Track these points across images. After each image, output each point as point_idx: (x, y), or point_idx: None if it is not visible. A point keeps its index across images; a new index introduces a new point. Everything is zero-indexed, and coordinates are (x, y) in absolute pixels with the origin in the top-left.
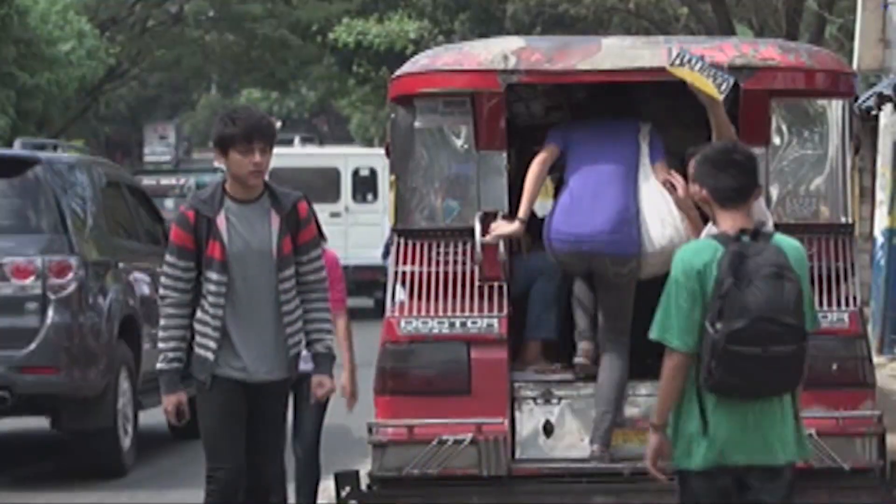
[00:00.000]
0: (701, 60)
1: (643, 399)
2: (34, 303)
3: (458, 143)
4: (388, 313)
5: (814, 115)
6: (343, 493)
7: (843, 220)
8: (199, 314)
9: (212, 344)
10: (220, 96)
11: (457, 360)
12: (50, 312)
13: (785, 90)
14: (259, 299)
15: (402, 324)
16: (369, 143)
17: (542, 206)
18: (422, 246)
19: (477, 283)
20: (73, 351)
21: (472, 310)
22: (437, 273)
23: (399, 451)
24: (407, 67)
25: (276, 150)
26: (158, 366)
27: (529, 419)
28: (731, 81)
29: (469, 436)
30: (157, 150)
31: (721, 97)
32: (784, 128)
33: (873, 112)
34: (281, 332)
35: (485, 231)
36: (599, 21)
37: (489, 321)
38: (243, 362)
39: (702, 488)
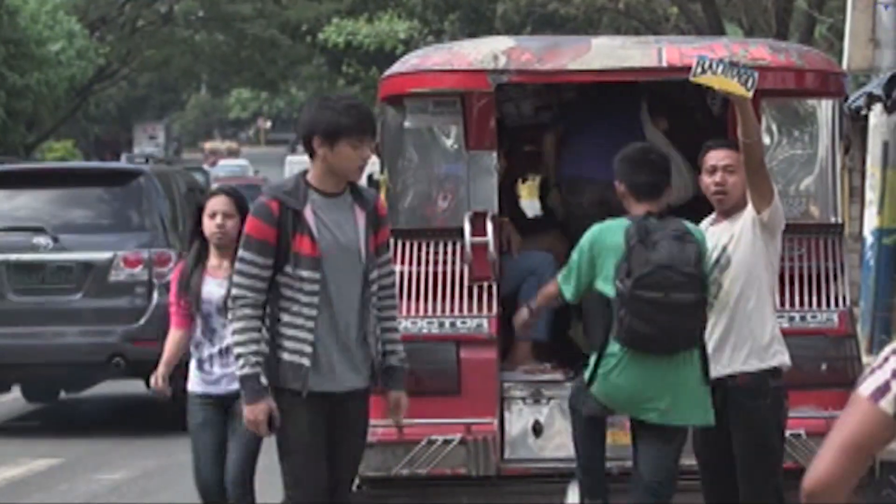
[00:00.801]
0: (722, 63)
1: None
2: (142, 287)
3: (448, 142)
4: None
5: (804, 115)
6: None
7: (832, 220)
8: (286, 317)
9: (307, 349)
10: (209, 96)
11: (446, 360)
12: (154, 295)
13: (775, 90)
14: (346, 300)
15: None
16: None
17: (531, 206)
18: (412, 246)
19: (467, 284)
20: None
21: (461, 310)
22: (427, 273)
23: (389, 451)
24: (397, 67)
25: (291, 157)
26: (242, 372)
27: (519, 419)
28: (756, 76)
29: (458, 436)
30: (146, 150)
31: (750, 94)
32: (774, 127)
33: (863, 112)
34: (363, 336)
35: (475, 233)
36: (589, 21)
37: (479, 321)
38: (333, 370)
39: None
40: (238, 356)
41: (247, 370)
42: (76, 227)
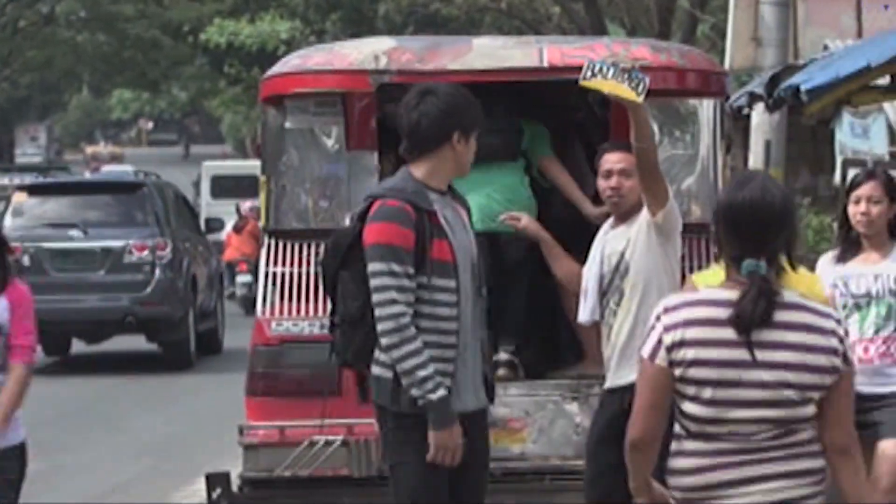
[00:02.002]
0: (612, 67)
1: (514, 399)
2: (147, 266)
3: (329, 143)
4: (258, 315)
5: (685, 115)
6: (214, 495)
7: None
8: (422, 335)
9: (449, 368)
10: (91, 97)
11: (327, 361)
12: (157, 272)
13: (656, 90)
14: (469, 310)
15: (273, 325)
16: (241, 143)
17: None
18: (293, 247)
19: None
20: (168, 294)
21: None
22: (309, 274)
23: (270, 453)
24: (278, 68)
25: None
26: (438, 394)
27: None
28: (647, 81)
29: (340, 437)
30: (28, 151)
31: (641, 98)
32: (655, 127)
33: (745, 111)
34: (481, 349)
35: None
36: (472, 21)
37: None
38: (459, 388)
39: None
40: (423, 380)
41: (441, 392)
42: (99, 223)
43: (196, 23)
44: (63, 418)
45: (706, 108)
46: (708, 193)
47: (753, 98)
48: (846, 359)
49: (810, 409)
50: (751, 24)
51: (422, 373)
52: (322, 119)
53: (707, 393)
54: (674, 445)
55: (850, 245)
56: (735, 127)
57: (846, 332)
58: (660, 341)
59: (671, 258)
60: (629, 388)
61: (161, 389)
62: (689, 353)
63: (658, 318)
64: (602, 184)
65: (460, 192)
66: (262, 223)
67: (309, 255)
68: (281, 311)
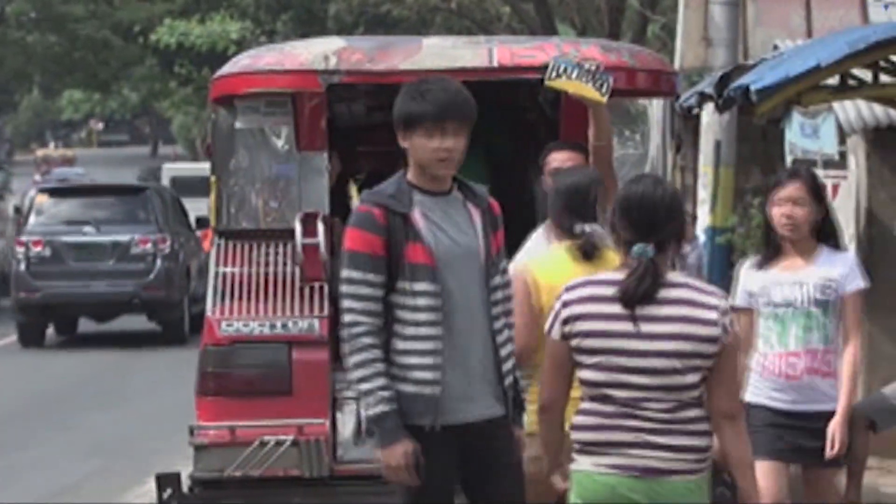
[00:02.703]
0: (577, 67)
1: None
2: (150, 257)
3: (279, 143)
4: (208, 314)
5: (635, 115)
6: (165, 495)
7: None
8: (404, 344)
9: (434, 376)
10: (41, 97)
11: (278, 361)
12: (158, 262)
13: None
14: (468, 313)
15: (223, 325)
16: (191, 144)
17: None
18: (242, 247)
19: (298, 284)
20: (168, 280)
21: (293, 311)
22: (259, 274)
23: (221, 453)
24: (228, 68)
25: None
26: (375, 410)
27: (351, 420)
28: (611, 80)
29: (291, 437)
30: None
31: (605, 99)
32: None
33: (695, 111)
34: (496, 356)
35: (306, 233)
36: (423, 21)
37: (310, 322)
38: (464, 396)
39: None
40: (365, 393)
41: (379, 409)
42: (109, 221)
43: (146, 23)
44: (14, 417)
45: (656, 108)
46: None
47: (703, 98)
48: (726, 330)
49: (692, 378)
50: (701, 24)
51: (364, 386)
52: (272, 119)
53: (596, 360)
54: (580, 405)
55: (772, 250)
56: (685, 127)
57: (730, 307)
58: (557, 316)
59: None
60: None
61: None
62: (581, 326)
63: (559, 297)
64: (549, 182)
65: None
66: (212, 223)
67: (259, 255)
68: (231, 312)
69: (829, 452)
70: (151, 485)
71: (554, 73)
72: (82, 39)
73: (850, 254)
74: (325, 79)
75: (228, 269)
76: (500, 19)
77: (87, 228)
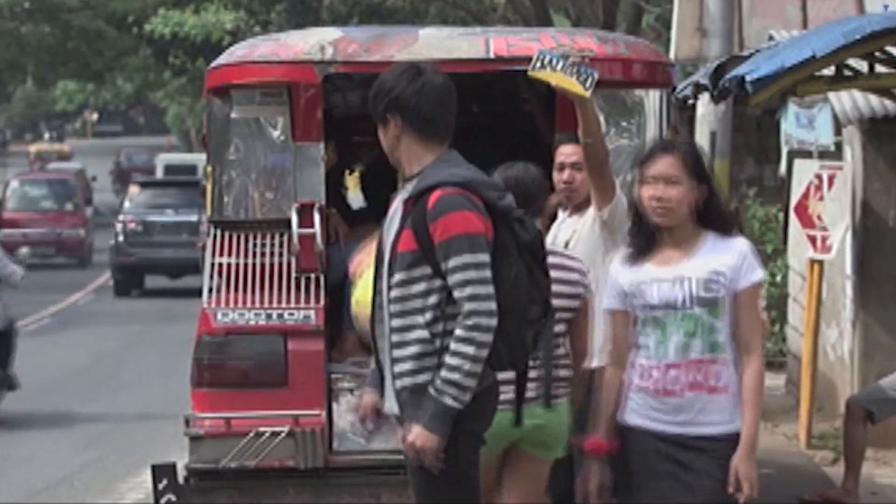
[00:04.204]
0: (563, 60)
1: None
2: None
3: (275, 134)
4: (204, 305)
5: (631, 106)
6: (160, 486)
7: None
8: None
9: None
10: (35, 88)
11: (273, 351)
12: None
13: (603, 81)
14: (382, 310)
15: (219, 315)
16: (185, 134)
17: (357, 198)
18: (238, 237)
19: (294, 275)
20: None
21: (288, 301)
22: (254, 264)
23: (216, 444)
24: (224, 58)
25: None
26: (457, 405)
27: (347, 411)
28: (596, 76)
29: (286, 428)
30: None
31: (588, 93)
32: (601, 118)
33: (690, 102)
34: (389, 354)
35: (302, 224)
36: (416, 11)
37: (306, 312)
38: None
39: None
40: (464, 388)
41: (459, 404)
42: (182, 206)
43: (140, 13)
44: (8, 406)
45: (652, 99)
46: None
47: (698, 88)
48: (587, 288)
49: (561, 327)
50: (696, 15)
51: (468, 382)
52: (268, 109)
53: None
54: None
55: (643, 240)
56: (680, 117)
57: (587, 269)
58: None
59: (612, 253)
60: None
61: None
62: None
63: None
64: (556, 176)
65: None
66: (207, 213)
67: (254, 245)
68: (227, 302)
69: (732, 492)
70: (147, 476)
71: (538, 64)
72: (76, 30)
73: (741, 240)
74: (320, 69)
75: (224, 260)
76: (495, 10)
77: (168, 211)
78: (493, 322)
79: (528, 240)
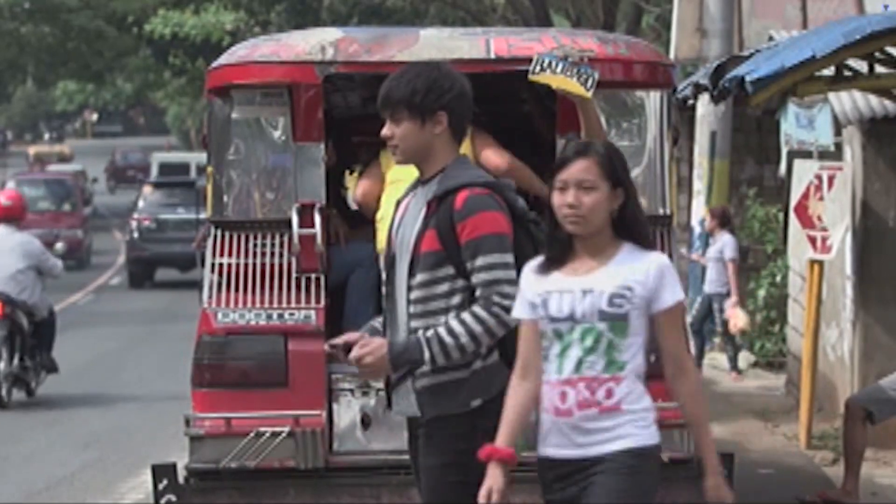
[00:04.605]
0: (562, 62)
1: None
2: None
3: (276, 134)
4: (204, 305)
5: (632, 107)
6: (160, 486)
7: (661, 211)
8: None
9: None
10: (35, 88)
11: (274, 352)
12: None
13: (603, 81)
14: (399, 309)
15: (219, 315)
16: (185, 135)
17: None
18: (238, 237)
19: (294, 275)
20: None
21: (289, 301)
22: (255, 265)
23: (216, 444)
24: (224, 58)
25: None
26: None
27: (347, 411)
28: (597, 76)
29: (286, 428)
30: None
31: (590, 94)
32: (602, 119)
33: (690, 102)
34: None
35: (302, 224)
36: (416, 12)
37: (306, 313)
38: (398, 391)
39: None
40: (445, 350)
41: (427, 365)
42: (192, 204)
43: (140, 14)
44: (8, 407)
45: (653, 100)
46: (655, 185)
47: (698, 89)
48: None
49: None
50: (696, 15)
51: (472, 346)
52: (268, 110)
53: None
54: None
55: (557, 248)
56: (681, 118)
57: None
58: None
59: None
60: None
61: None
62: None
63: None
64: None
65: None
66: (208, 214)
67: (255, 245)
68: (227, 302)
69: None
70: (147, 476)
71: (538, 68)
72: (76, 30)
73: (658, 256)
74: (321, 70)
75: (224, 260)
76: (495, 10)
77: (179, 209)
78: (513, 323)
79: (544, 240)
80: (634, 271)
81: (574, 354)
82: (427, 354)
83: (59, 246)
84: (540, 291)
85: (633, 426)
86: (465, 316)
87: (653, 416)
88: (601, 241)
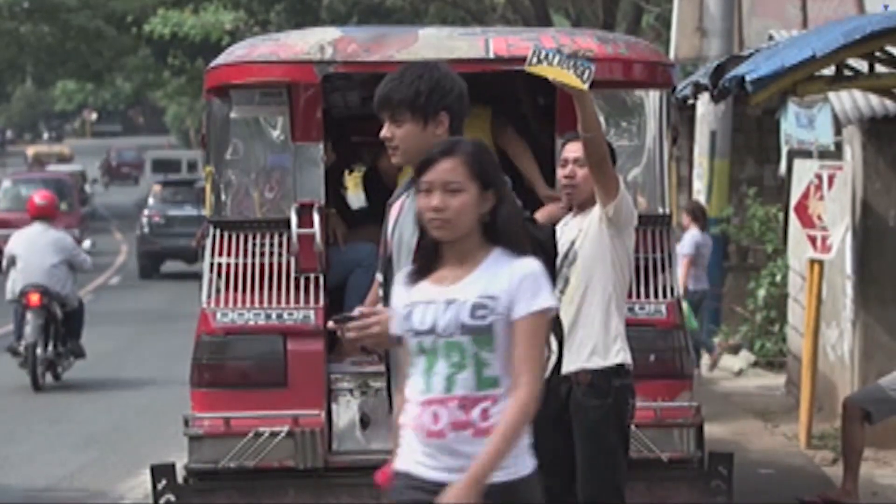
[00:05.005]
0: (558, 54)
1: None
2: None
3: (275, 133)
4: (203, 305)
5: (632, 106)
6: (159, 486)
7: (660, 211)
8: None
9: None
10: (35, 88)
11: (273, 351)
12: None
13: (603, 81)
14: None
15: (218, 315)
16: (185, 134)
17: (357, 198)
18: (237, 237)
19: (293, 275)
20: None
21: (288, 301)
22: (254, 264)
23: (215, 444)
24: (223, 58)
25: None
26: None
27: (346, 411)
28: (593, 68)
29: (286, 428)
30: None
31: (586, 86)
32: (602, 118)
33: (690, 101)
34: None
35: (301, 224)
36: (415, 11)
37: (305, 313)
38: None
39: None
40: None
41: None
42: (198, 201)
43: (139, 13)
44: (8, 407)
45: (652, 99)
46: (654, 185)
47: (698, 88)
48: None
49: None
50: (696, 15)
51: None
52: (267, 109)
53: None
54: None
55: (427, 257)
56: (680, 117)
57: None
58: None
59: (620, 251)
60: (567, 378)
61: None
62: None
63: None
64: (559, 172)
65: None
66: (207, 213)
67: (254, 245)
68: (226, 302)
69: None
70: (146, 476)
71: (535, 59)
72: (75, 30)
73: (528, 261)
74: (320, 69)
75: (223, 260)
76: (495, 10)
77: (186, 206)
78: None
79: (543, 239)
80: (499, 279)
81: (442, 371)
82: None
83: (88, 243)
84: (406, 303)
85: (514, 455)
86: None
87: (527, 441)
88: (469, 247)
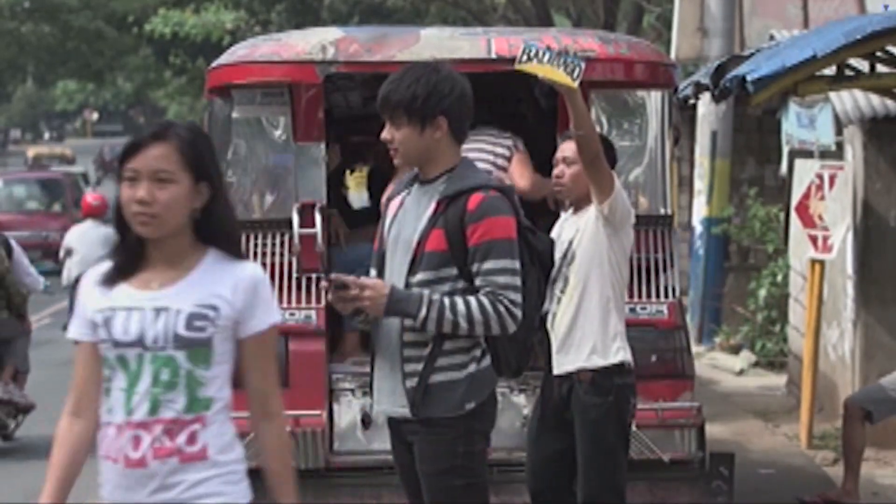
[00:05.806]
0: (549, 51)
1: None
2: None
3: (276, 133)
4: None
5: (633, 107)
6: None
7: (662, 211)
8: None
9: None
10: (35, 88)
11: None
12: None
13: (604, 81)
14: None
15: None
16: None
17: (358, 199)
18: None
19: (295, 275)
20: None
21: (289, 302)
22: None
23: None
24: (225, 58)
25: None
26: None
27: (347, 411)
28: (583, 66)
29: (287, 428)
30: None
31: (576, 84)
32: (603, 119)
33: (691, 101)
34: (400, 354)
35: (303, 224)
36: (417, 11)
37: (307, 313)
38: (379, 388)
39: None
40: (440, 319)
41: (419, 322)
42: None
43: (140, 13)
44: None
45: (654, 100)
46: (656, 185)
47: (699, 88)
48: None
49: None
50: (697, 15)
51: (473, 329)
52: (269, 109)
53: None
54: None
55: (127, 256)
56: (681, 117)
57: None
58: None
59: (617, 250)
60: (569, 377)
61: None
62: None
63: None
64: (554, 172)
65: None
66: None
67: (255, 245)
68: None
69: None
70: None
71: (525, 57)
72: (76, 29)
73: (251, 268)
74: (322, 69)
75: None
76: (496, 10)
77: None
78: (512, 329)
79: (542, 249)
80: (220, 285)
81: (147, 390)
82: (423, 313)
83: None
84: (102, 308)
85: (221, 482)
86: (472, 301)
87: (244, 467)
88: (179, 246)
